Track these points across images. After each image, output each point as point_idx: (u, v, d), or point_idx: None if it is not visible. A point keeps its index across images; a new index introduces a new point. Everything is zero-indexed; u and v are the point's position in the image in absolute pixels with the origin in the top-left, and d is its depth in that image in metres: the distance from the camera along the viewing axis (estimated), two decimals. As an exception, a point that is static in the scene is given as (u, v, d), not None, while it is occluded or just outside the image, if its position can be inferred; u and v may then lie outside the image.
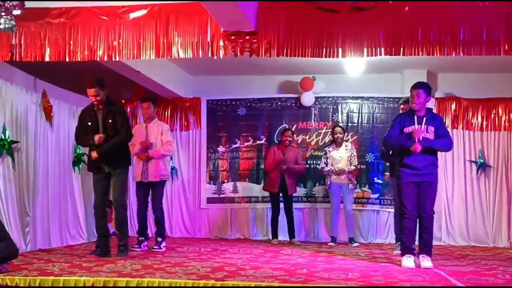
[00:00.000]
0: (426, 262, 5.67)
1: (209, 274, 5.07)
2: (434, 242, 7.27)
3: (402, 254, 5.83)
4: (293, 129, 8.98)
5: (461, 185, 8.73)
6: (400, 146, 5.82)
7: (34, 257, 6.17)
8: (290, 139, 8.59)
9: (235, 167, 9.40)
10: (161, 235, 7.28)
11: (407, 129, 5.79)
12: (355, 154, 8.44)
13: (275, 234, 8.52)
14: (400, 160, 5.84)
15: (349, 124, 9.17)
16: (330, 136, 8.65)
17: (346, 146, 8.41)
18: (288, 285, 4.57)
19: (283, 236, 8.64)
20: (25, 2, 5.60)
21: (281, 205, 8.59)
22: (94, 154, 6.27)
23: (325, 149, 8.58)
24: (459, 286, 4.64)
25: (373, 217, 8.97)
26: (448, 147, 5.99)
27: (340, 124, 8.86)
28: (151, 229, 7.90)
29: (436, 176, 5.87)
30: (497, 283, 4.83)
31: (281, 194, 8.54)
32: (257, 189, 9.28)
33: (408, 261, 5.71)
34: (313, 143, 9.23)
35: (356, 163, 8.40)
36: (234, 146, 9.43)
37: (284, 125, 9.29)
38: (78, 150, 7.94)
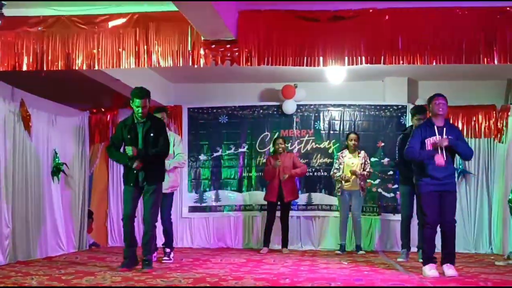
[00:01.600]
0: (451, 271, 5.67)
1: (191, 286, 5.01)
2: (416, 250, 7.34)
3: (425, 264, 5.79)
4: (276, 136, 8.96)
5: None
6: (420, 160, 5.78)
7: (12, 270, 6.04)
8: (283, 145, 8.55)
9: (217, 175, 9.34)
10: (170, 245, 7.19)
11: (429, 140, 5.76)
12: (369, 162, 8.45)
13: (266, 243, 8.47)
14: (420, 171, 5.81)
15: (331, 132, 9.17)
16: (345, 142, 8.60)
17: (360, 154, 8.41)
18: (270, 296, 4.54)
19: (276, 244, 8.66)
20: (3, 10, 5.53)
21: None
22: (136, 164, 6.01)
23: (338, 154, 8.59)
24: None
25: (355, 225, 8.95)
26: (471, 154, 6.06)
27: (356, 132, 8.78)
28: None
29: (455, 185, 5.90)
30: (479, 291, 4.84)
31: (279, 203, 8.48)
32: (239, 198, 9.24)
33: (431, 271, 5.66)
34: (295, 150, 9.20)
35: (370, 170, 8.44)
36: (216, 154, 9.37)
37: (266, 133, 9.27)
38: (57, 159, 7.83)
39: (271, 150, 8.85)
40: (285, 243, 8.50)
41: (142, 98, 5.98)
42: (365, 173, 8.34)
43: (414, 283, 5.21)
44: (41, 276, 5.57)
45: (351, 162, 8.36)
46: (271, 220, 8.48)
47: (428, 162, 5.72)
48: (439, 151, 5.69)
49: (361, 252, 8.24)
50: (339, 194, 8.43)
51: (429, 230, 5.79)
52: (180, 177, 7.53)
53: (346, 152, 8.46)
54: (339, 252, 8.24)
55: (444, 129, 5.79)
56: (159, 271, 5.97)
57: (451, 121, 8.74)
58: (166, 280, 5.31)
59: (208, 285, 5.01)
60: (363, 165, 8.34)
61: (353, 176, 8.27)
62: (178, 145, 7.23)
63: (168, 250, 7.14)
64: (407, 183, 7.14)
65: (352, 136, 8.45)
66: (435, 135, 5.76)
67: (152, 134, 6.07)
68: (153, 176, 6.14)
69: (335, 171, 8.46)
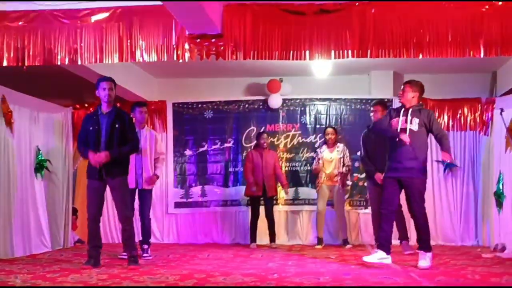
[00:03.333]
0: (421, 261, 5.77)
1: (178, 282, 4.95)
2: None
3: (377, 247, 5.92)
4: (261, 131, 8.93)
5: (428, 185, 8.65)
6: (386, 134, 6.02)
7: (-5, 268, 5.96)
8: (267, 141, 8.54)
9: (203, 170, 9.28)
10: (147, 242, 7.11)
11: (392, 121, 5.90)
12: (348, 155, 8.41)
13: (253, 239, 8.44)
14: (388, 158, 5.95)
15: (317, 126, 9.15)
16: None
17: (338, 148, 8.38)
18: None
19: (266, 240, 8.61)
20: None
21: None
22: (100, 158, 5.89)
23: (317, 149, 8.58)
24: (430, 288, 4.64)
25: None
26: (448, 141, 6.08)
27: (333, 126, 8.79)
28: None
29: (418, 171, 5.81)
30: (467, 284, 4.83)
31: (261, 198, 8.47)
32: (225, 193, 9.20)
33: (368, 256, 5.84)
34: (281, 145, 9.17)
35: (349, 163, 8.39)
36: (201, 149, 9.31)
37: (252, 127, 9.22)
38: (40, 156, 7.72)
39: (254, 144, 8.81)
40: (272, 237, 8.47)
41: (107, 80, 5.96)
42: (344, 169, 8.30)
43: (402, 277, 5.20)
44: (25, 274, 5.47)
45: (329, 157, 8.35)
46: (256, 215, 8.45)
47: (392, 144, 5.86)
48: (407, 132, 5.79)
49: (348, 246, 8.23)
50: (317, 189, 8.44)
51: (383, 216, 5.91)
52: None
53: (324, 147, 8.45)
54: (318, 246, 8.22)
55: (410, 110, 5.84)
56: (145, 268, 5.91)
57: (436, 115, 8.75)
58: (153, 277, 5.24)
59: (195, 281, 4.96)
60: (342, 159, 8.31)
61: (333, 172, 8.28)
62: (160, 143, 7.28)
63: (145, 246, 7.06)
64: (372, 177, 7.32)
65: (329, 130, 8.43)
66: (399, 116, 5.88)
67: (117, 126, 5.97)
68: (117, 170, 6.02)
69: (315, 165, 8.48)
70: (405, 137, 5.71)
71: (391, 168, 5.89)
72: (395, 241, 7.20)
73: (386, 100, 8.73)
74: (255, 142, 8.84)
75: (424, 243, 5.87)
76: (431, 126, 5.83)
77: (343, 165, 8.31)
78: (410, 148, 5.74)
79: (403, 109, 5.89)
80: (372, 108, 7.42)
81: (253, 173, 8.39)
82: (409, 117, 5.80)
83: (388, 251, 5.84)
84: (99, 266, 6.00)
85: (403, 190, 5.94)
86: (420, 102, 5.95)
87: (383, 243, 5.87)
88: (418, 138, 5.79)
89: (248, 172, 8.44)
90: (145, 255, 6.95)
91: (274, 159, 8.54)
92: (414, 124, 5.79)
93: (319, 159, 8.39)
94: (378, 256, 5.79)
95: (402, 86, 5.96)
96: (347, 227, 8.61)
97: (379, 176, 7.06)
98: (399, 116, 5.87)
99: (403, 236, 7.41)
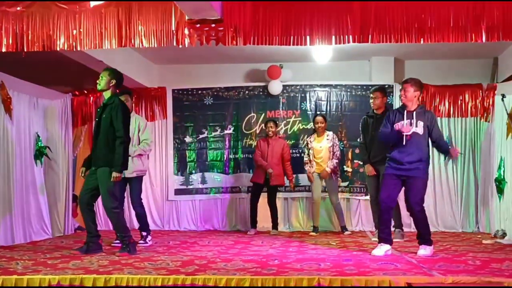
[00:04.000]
0: (421, 250, 5.79)
1: (179, 268, 4.96)
2: (404, 229, 7.38)
3: (380, 242, 5.91)
4: (261, 118, 8.90)
5: (429, 172, 8.74)
6: (392, 140, 5.87)
7: (-5, 255, 5.96)
8: (273, 129, 8.48)
9: (203, 157, 9.26)
10: (145, 229, 7.09)
11: (396, 125, 5.81)
12: (337, 143, 8.36)
13: (253, 224, 8.45)
14: (389, 154, 5.90)
15: (318, 113, 9.09)
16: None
17: (327, 136, 8.31)
18: (260, 278, 4.48)
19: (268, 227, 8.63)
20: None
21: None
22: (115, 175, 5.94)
23: (307, 139, 8.50)
24: (432, 274, 4.63)
25: (343, 205, 8.89)
26: (444, 143, 6.11)
27: (322, 113, 8.77)
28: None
29: (422, 171, 5.79)
30: (468, 269, 4.83)
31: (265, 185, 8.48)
32: (226, 180, 9.19)
33: (376, 250, 5.82)
34: (282, 131, 9.14)
35: (338, 152, 8.30)
36: (201, 136, 9.29)
37: (252, 114, 9.20)
38: (39, 143, 7.70)
39: (257, 132, 8.78)
40: (274, 225, 8.48)
41: (102, 71, 6.10)
42: (334, 162, 8.21)
43: (403, 263, 5.19)
44: (26, 260, 5.49)
45: (319, 146, 8.29)
46: (256, 202, 8.45)
47: (396, 145, 5.79)
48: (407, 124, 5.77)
49: (347, 232, 8.23)
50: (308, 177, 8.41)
51: (382, 211, 5.89)
52: (146, 161, 7.33)
53: (314, 136, 8.39)
54: (313, 233, 8.20)
55: (414, 113, 5.79)
56: (146, 254, 5.92)
57: (437, 101, 8.77)
58: (153, 263, 5.26)
59: (196, 267, 4.96)
60: (331, 147, 8.25)
61: (325, 170, 8.21)
62: (143, 131, 7.10)
63: (144, 233, 7.07)
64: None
65: (319, 118, 8.35)
66: (402, 119, 5.80)
67: (104, 116, 5.99)
68: (99, 160, 6.01)
69: (306, 160, 8.39)
70: (406, 127, 5.69)
71: (393, 166, 5.83)
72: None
73: (386, 86, 8.70)
74: (257, 129, 8.83)
75: (423, 239, 5.86)
76: (431, 130, 5.83)
77: (333, 154, 8.23)
78: (414, 151, 5.72)
79: (405, 111, 5.82)
80: (371, 95, 7.35)
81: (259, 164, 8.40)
82: (414, 120, 5.76)
83: (391, 243, 5.90)
84: (91, 253, 5.92)
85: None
86: (422, 104, 5.93)
87: (386, 238, 5.87)
88: (422, 140, 5.79)
89: (258, 157, 8.42)
90: (141, 242, 6.93)
91: (282, 148, 8.46)
92: (419, 127, 5.76)
93: (309, 149, 8.33)
94: (384, 249, 5.79)
95: (402, 86, 5.89)
96: (344, 214, 8.59)
97: (369, 168, 7.17)
98: (402, 119, 5.80)
99: (397, 225, 7.39)
